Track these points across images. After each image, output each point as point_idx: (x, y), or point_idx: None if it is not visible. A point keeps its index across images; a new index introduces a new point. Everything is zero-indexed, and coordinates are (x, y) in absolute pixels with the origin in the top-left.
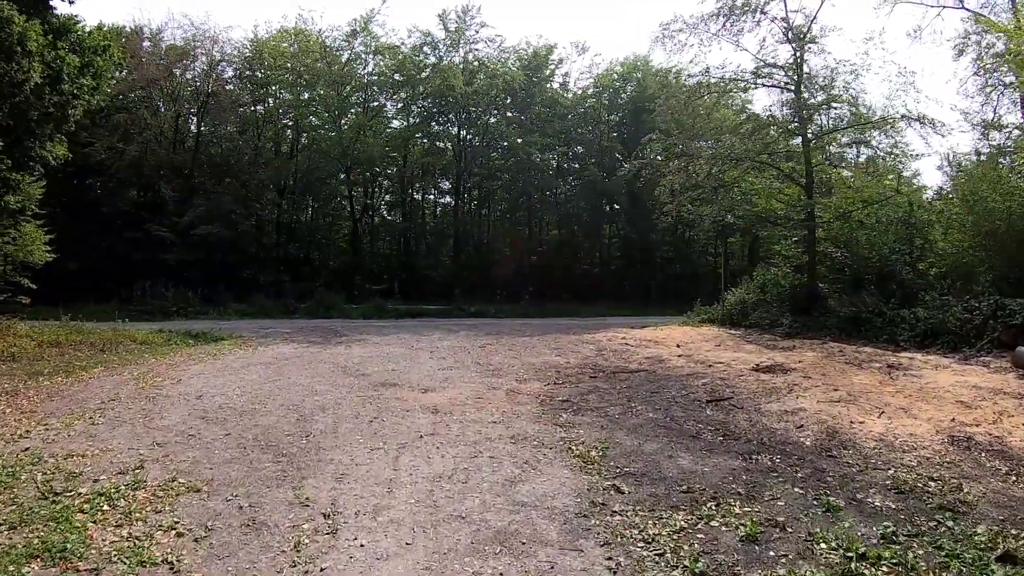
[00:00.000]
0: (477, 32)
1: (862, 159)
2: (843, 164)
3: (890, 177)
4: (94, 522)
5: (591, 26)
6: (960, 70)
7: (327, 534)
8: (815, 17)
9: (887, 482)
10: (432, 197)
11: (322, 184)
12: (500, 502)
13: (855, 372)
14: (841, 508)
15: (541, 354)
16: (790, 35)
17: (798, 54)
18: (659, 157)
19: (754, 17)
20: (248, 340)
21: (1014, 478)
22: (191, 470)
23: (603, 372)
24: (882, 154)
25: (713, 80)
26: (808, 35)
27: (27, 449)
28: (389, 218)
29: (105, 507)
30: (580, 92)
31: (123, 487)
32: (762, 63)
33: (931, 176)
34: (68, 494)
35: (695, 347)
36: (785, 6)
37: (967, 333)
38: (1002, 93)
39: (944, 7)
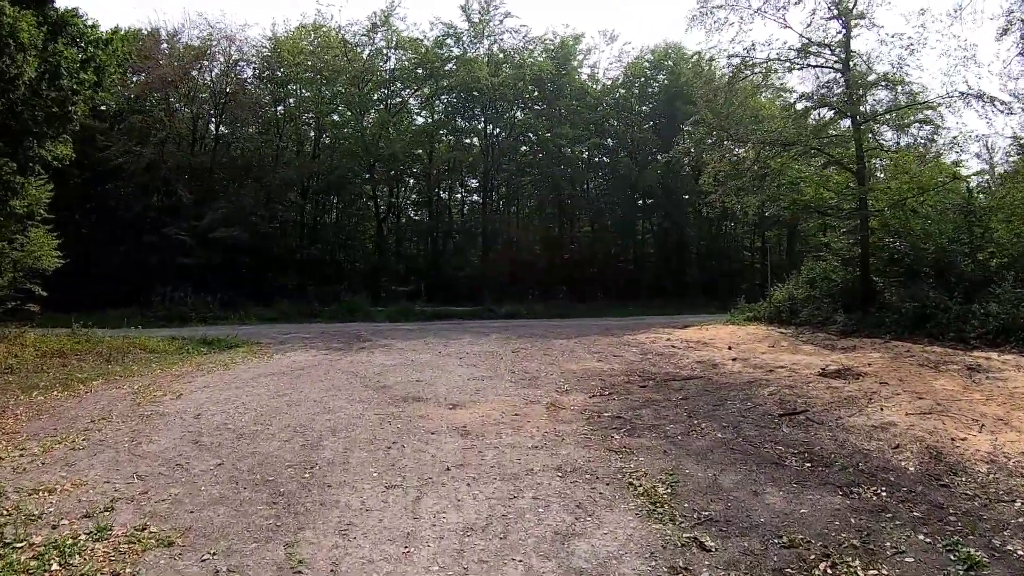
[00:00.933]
0: (501, 22)
1: (917, 143)
2: (895, 149)
3: (944, 162)
4: None
5: (620, 14)
6: (1003, 51)
7: None
8: None
9: (1021, 520)
10: (459, 195)
11: (346, 184)
12: (551, 568)
13: (933, 376)
14: (985, 564)
15: (581, 359)
16: (837, 9)
17: (846, 30)
18: (702, 143)
19: None
20: (264, 347)
21: None
22: (168, 513)
23: (653, 380)
24: (937, 138)
25: (758, 60)
26: (855, 8)
27: None
28: (415, 217)
29: (55, 566)
30: (610, 82)
31: (83, 536)
32: (808, 40)
33: (973, 162)
34: (19, 545)
35: (748, 349)
36: None
37: None
38: None
39: None
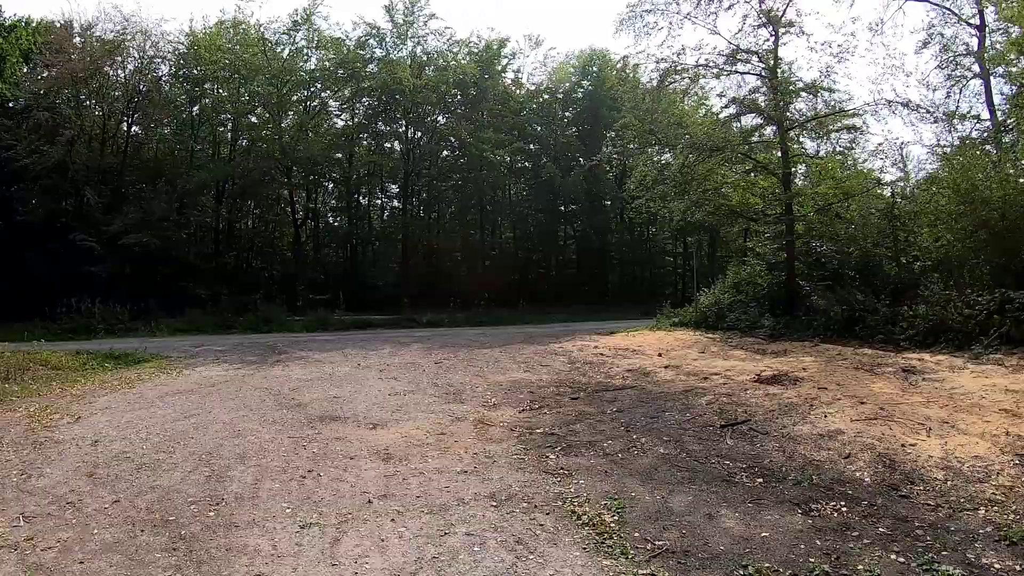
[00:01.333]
0: (426, 24)
1: (842, 149)
2: (820, 155)
3: (869, 168)
4: None
5: (545, 18)
6: (921, 63)
7: None
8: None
9: (988, 529)
10: (379, 201)
11: (263, 187)
12: None
13: (870, 379)
14: None
15: (507, 370)
16: (767, 17)
17: (775, 37)
18: (628, 149)
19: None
20: (174, 362)
21: None
22: (55, 565)
23: (584, 391)
24: (860, 144)
25: (687, 65)
26: (785, 17)
27: None
28: (334, 223)
29: None
30: (534, 87)
31: None
32: (736, 47)
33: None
34: None
35: (679, 355)
36: None
37: (971, 330)
38: (965, 85)
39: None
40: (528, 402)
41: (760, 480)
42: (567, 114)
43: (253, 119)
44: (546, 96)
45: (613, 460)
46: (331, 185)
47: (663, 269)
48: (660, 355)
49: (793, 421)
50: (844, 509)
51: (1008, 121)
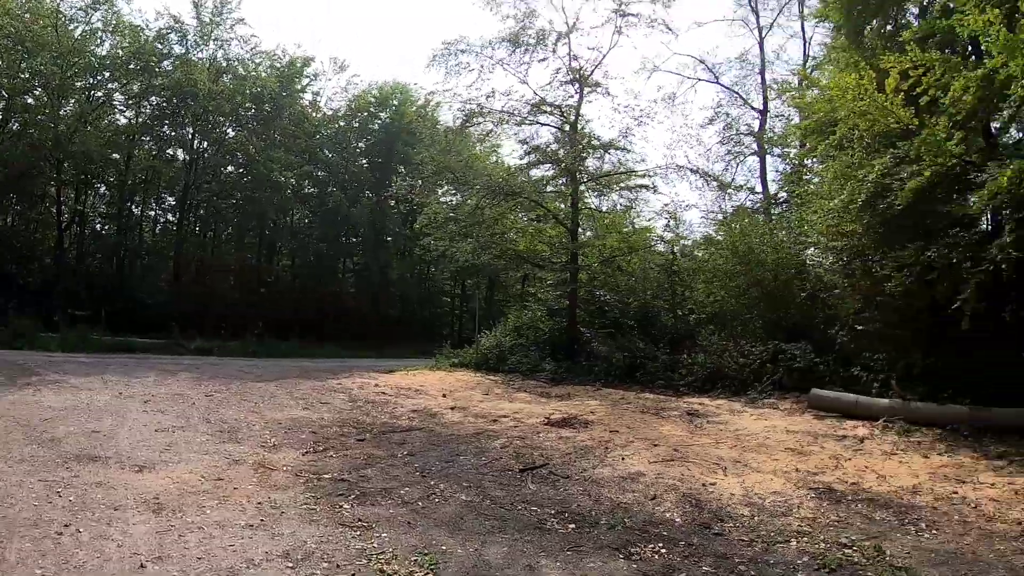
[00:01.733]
0: (232, 28)
1: (629, 206)
2: (608, 209)
3: (653, 226)
4: None
5: (354, 43)
6: (706, 137)
7: None
8: (600, 62)
9: (805, 559)
10: (153, 212)
11: (28, 181)
12: None
13: (658, 422)
14: None
15: (284, 406)
16: (576, 75)
17: (580, 95)
18: (421, 185)
19: (541, 51)
20: None
21: (914, 528)
22: None
23: (370, 432)
24: (644, 202)
25: (493, 109)
26: (592, 77)
27: None
28: (103, 231)
29: None
30: (331, 112)
31: None
32: (542, 99)
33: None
34: None
35: (463, 396)
36: (570, 47)
37: (746, 377)
38: (742, 161)
39: (700, 80)
40: (311, 443)
41: (573, 526)
42: (361, 144)
43: (30, 100)
44: (342, 123)
45: (414, 509)
46: (103, 188)
47: (441, 309)
48: (444, 395)
49: (592, 464)
50: (664, 551)
51: (780, 194)
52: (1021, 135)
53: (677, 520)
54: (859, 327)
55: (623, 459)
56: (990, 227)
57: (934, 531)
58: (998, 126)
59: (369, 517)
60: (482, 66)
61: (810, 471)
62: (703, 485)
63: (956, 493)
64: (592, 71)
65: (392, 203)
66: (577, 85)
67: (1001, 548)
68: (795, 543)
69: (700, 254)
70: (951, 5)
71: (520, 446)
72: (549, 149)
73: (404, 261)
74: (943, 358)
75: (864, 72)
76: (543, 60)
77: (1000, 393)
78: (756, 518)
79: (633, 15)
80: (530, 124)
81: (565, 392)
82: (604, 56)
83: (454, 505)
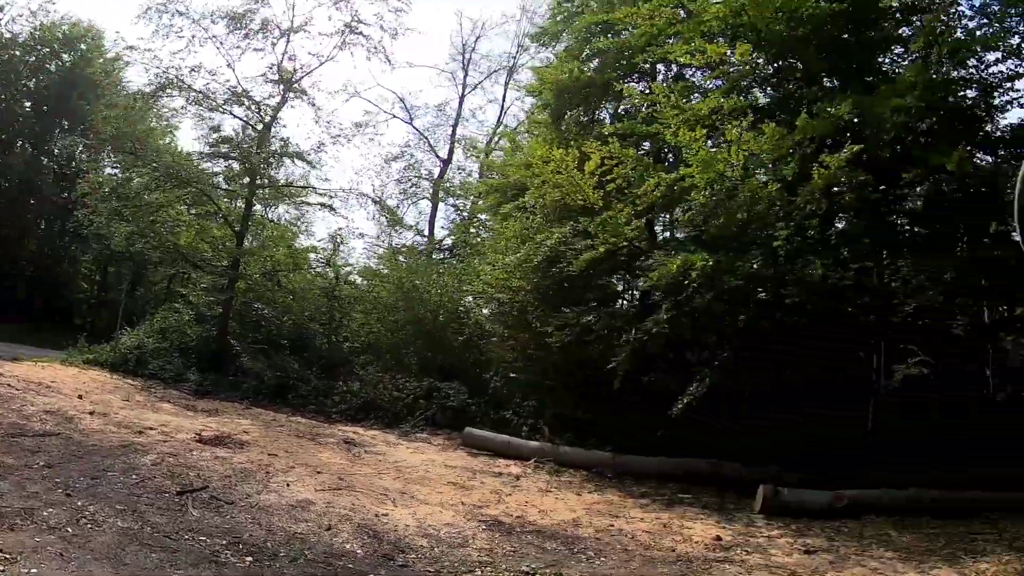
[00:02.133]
0: None
1: (299, 220)
2: (287, 222)
3: (321, 247)
4: None
5: None
6: (384, 174)
7: None
8: (313, 71)
9: None
10: None
11: None
12: None
13: (316, 448)
14: None
15: None
16: (282, 76)
17: (283, 97)
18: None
19: (259, 41)
20: None
21: (585, 556)
22: None
23: None
24: (319, 221)
25: (192, 86)
26: (300, 84)
27: None
28: None
29: None
30: (10, 36)
31: None
32: (246, 91)
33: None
34: None
35: (102, 400)
36: (287, 46)
37: (400, 410)
38: (415, 202)
39: (395, 116)
40: None
41: (250, 559)
42: (30, 84)
43: None
44: (17, 52)
45: (64, 537)
46: None
47: (79, 295)
48: (81, 397)
49: (255, 489)
50: None
51: (445, 241)
52: (681, 236)
53: (359, 552)
54: (512, 375)
55: (288, 485)
56: (638, 304)
57: (603, 558)
58: (665, 222)
59: (11, 545)
60: (194, 36)
61: (475, 504)
62: (376, 516)
63: (613, 526)
64: (302, 77)
65: (46, 162)
66: (283, 86)
67: (664, 571)
68: (480, 572)
69: (362, 283)
70: (654, 115)
71: (173, 464)
72: (239, 142)
73: (49, 231)
74: (592, 410)
75: (571, 150)
76: (259, 50)
77: (641, 444)
78: (436, 549)
79: (363, 35)
80: (223, 113)
81: (213, 407)
82: (321, 64)
83: (111, 533)
